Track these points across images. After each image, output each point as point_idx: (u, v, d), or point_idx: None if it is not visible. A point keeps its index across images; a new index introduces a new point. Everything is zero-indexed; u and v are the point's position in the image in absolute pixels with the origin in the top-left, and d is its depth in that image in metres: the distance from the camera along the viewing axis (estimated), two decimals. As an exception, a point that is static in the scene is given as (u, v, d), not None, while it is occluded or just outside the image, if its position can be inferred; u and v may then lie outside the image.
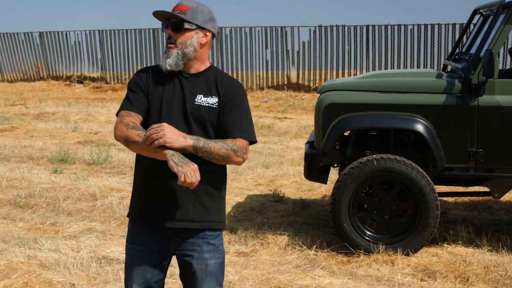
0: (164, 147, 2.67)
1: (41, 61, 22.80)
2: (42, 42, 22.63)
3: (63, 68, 22.74)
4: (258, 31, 20.23)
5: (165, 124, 2.69)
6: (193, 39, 2.83)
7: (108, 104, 17.65)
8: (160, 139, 2.65)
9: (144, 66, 21.35)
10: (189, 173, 2.64)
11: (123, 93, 20.31)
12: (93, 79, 22.29)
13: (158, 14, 2.85)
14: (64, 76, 22.67)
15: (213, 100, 2.83)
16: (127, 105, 2.82)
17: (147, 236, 2.86)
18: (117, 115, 2.86)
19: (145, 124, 2.82)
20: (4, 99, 18.80)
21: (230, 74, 20.65)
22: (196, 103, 2.82)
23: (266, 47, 20.29)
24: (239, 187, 7.98)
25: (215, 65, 21.34)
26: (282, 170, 8.85)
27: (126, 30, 21.67)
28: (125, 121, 2.77)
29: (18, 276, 4.75)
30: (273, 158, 9.84)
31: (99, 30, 21.96)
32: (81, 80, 22.40)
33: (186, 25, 2.81)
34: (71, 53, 22.47)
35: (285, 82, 20.20)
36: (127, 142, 2.75)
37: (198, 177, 2.68)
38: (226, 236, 5.94)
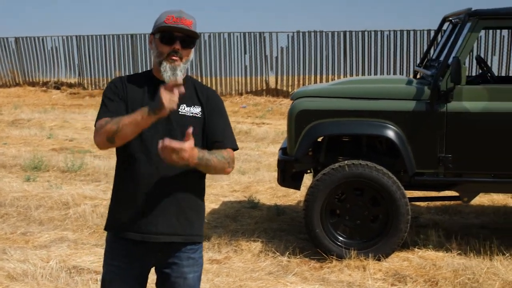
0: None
1: (17, 67, 22.58)
2: (18, 47, 22.42)
3: (39, 74, 22.53)
4: (237, 36, 20.25)
5: (186, 145, 2.57)
6: (192, 54, 2.87)
7: (85, 110, 17.54)
8: (181, 158, 2.58)
9: (122, 71, 21.36)
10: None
11: (100, 99, 20.13)
12: (70, 85, 22.10)
13: (169, 28, 2.77)
14: (40, 82, 22.47)
15: (196, 110, 2.84)
16: (105, 113, 2.76)
17: (128, 252, 2.82)
18: (95, 125, 2.80)
19: None
20: (-21, 106, 18.62)
21: (209, 79, 20.75)
22: (180, 113, 2.80)
23: (245, 53, 20.30)
24: (215, 193, 7.97)
25: (194, 70, 21.35)
26: (258, 176, 8.87)
27: (104, 36, 21.58)
28: (98, 125, 2.72)
29: (-17, 288, 4.69)
30: (250, 164, 9.85)
31: (76, 36, 21.85)
32: (58, 86, 22.21)
33: (195, 42, 2.86)
34: (47, 59, 22.27)
35: (264, 88, 20.23)
36: (110, 139, 2.66)
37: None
38: (199, 244, 5.93)
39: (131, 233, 2.79)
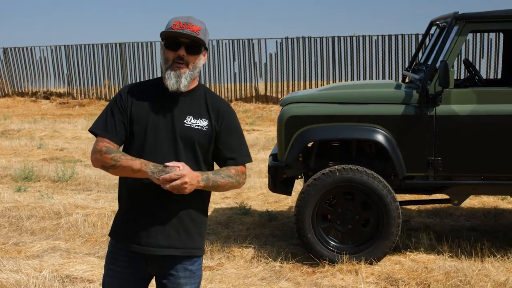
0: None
1: (6, 78, 22.54)
2: (6, 58, 22.39)
3: (28, 84, 22.51)
4: (225, 43, 20.31)
5: (185, 170, 2.65)
6: (201, 60, 2.81)
7: (75, 119, 17.50)
8: (185, 190, 2.65)
9: (112, 80, 21.36)
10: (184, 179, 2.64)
11: (90, 109, 20.16)
12: (59, 95, 22.08)
13: (173, 34, 2.73)
14: (30, 92, 22.44)
15: (203, 123, 2.80)
16: (102, 130, 2.76)
17: (126, 258, 2.82)
18: (91, 131, 2.83)
19: (129, 143, 2.79)
20: (-32, 117, 18.54)
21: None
22: (185, 125, 2.77)
23: (234, 60, 20.36)
24: (206, 200, 7.96)
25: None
26: (249, 182, 8.88)
27: (93, 45, 21.57)
28: (98, 148, 2.74)
29: (-23, 299, 4.67)
30: (240, 171, 9.84)
31: (65, 45, 21.82)
32: (47, 96, 22.18)
33: (202, 48, 2.80)
34: (36, 69, 22.25)
35: (253, 94, 20.28)
36: (105, 167, 2.73)
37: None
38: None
39: (132, 244, 2.80)
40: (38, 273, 5.14)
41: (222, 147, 2.84)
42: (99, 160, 2.73)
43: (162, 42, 2.81)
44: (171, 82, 2.74)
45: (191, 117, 2.78)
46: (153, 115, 2.76)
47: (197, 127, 2.78)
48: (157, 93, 2.80)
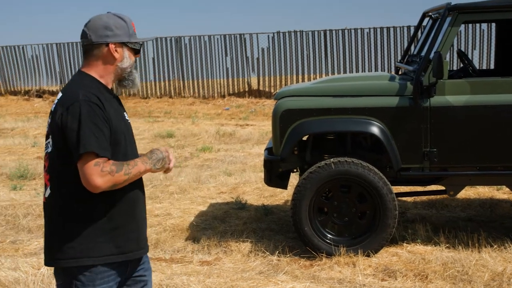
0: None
1: (-2, 77, 22.47)
2: (-2, 57, 22.30)
3: (21, 82, 22.44)
4: (217, 39, 20.27)
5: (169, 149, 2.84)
6: None
7: (68, 117, 17.42)
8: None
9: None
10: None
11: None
12: (52, 93, 22.01)
13: (143, 40, 2.84)
14: (22, 91, 22.36)
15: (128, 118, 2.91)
16: (101, 149, 2.56)
17: (116, 274, 2.73)
18: (89, 152, 2.54)
19: (114, 153, 2.67)
20: (-39, 116, 18.45)
21: (190, 82, 20.73)
22: (128, 121, 2.84)
23: (226, 55, 20.34)
24: (202, 196, 7.98)
25: (176, 74, 21.32)
26: (245, 177, 8.89)
27: (84, 42, 21.46)
28: (107, 169, 2.56)
29: (-24, 297, 4.67)
30: (235, 166, 9.87)
31: (56, 43, 21.75)
32: (40, 94, 22.10)
33: None
34: (28, 67, 22.18)
35: (246, 89, 20.27)
36: (115, 186, 2.59)
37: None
38: (189, 246, 5.96)
39: (137, 252, 2.80)
40: (37, 271, 5.13)
41: None
42: (111, 181, 2.57)
43: (127, 45, 2.75)
44: (138, 83, 2.83)
45: (125, 113, 2.86)
46: (120, 120, 2.74)
47: (130, 123, 2.88)
48: (108, 97, 2.73)
